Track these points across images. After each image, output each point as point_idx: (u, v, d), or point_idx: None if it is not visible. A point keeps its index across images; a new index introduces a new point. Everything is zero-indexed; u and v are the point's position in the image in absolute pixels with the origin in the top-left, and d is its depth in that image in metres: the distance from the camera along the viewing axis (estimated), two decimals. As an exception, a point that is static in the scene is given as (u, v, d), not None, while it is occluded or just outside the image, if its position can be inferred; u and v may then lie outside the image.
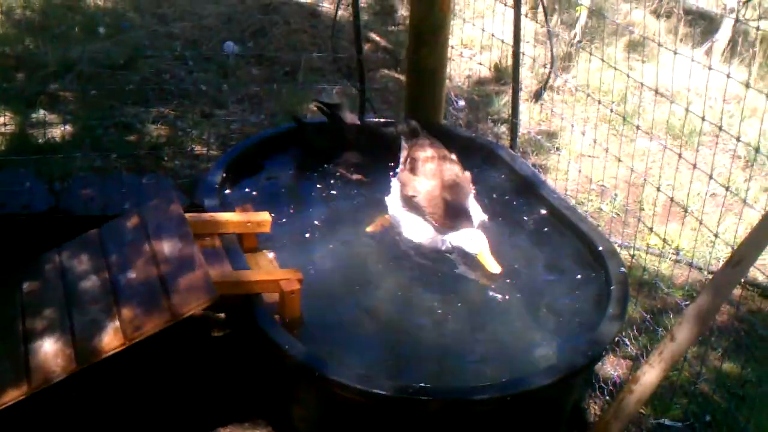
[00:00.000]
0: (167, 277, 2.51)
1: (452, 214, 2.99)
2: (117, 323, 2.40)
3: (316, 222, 3.16)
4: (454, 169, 3.18)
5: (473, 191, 3.18)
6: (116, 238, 2.76)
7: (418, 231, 3.03)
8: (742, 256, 2.23)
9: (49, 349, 2.38)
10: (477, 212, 3.08)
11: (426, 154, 3.22)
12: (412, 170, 3.18)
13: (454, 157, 3.29)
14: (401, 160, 3.34)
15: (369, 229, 3.13)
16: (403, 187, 3.16)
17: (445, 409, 2.27)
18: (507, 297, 2.79)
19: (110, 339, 2.36)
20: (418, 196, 3.06)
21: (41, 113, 4.52)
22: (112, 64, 5.15)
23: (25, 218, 3.40)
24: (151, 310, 2.41)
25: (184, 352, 2.98)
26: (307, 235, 3.08)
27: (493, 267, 2.83)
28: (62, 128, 4.40)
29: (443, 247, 2.97)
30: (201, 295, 2.42)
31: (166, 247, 2.63)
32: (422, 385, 2.26)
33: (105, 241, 2.76)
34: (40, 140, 4.25)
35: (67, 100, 4.74)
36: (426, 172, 3.13)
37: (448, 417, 2.31)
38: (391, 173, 3.40)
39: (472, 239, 2.90)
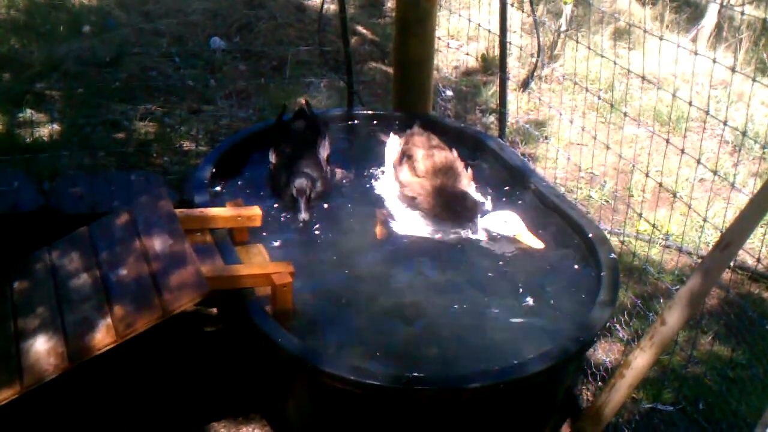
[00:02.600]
0: (158, 274, 2.50)
1: (455, 209, 3.01)
2: (109, 320, 2.39)
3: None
4: (449, 159, 3.19)
5: (470, 177, 3.20)
6: (106, 235, 2.76)
7: (423, 226, 3.05)
8: (731, 240, 2.24)
9: (41, 347, 2.37)
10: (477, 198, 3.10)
11: (421, 151, 3.22)
12: (411, 169, 3.18)
13: (446, 148, 3.31)
14: (395, 156, 3.33)
15: (378, 235, 3.08)
16: (402, 188, 3.16)
17: (438, 398, 2.28)
18: (497, 285, 2.80)
19: (102, 336, 2.36)
20: (420, 198, 3.07)
21: (28, 113, 4.51)
22: (99, 62, 5.14)
23: (15, 217, 3.39)
24: (143, 307, 2.41)
25: (177, 348, 2.98)
26: (299, 228, 3.08)
27: (535, 243, 2.87)
28: (50, 127, 4.39)
29: (473, 235, 2.98)
30: (192, 291, 2.42)
31: (157, 243, 2.63)
32: (414, 374, 2.26)
33: (95, 238, 2.76)
34: (27, 139, 4.24)
35: (54, 99, 4.73)
36: (425, 171, 3.13)
37: (441, 405, 2.32)
38: (380, 169, 3.41)
39: (508, 221, 2.93)
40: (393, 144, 3.41)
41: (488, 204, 3.19)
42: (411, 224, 3.07)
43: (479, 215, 3.03)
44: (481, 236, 2.99)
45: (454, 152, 3.32)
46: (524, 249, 2.95)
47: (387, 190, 3.26)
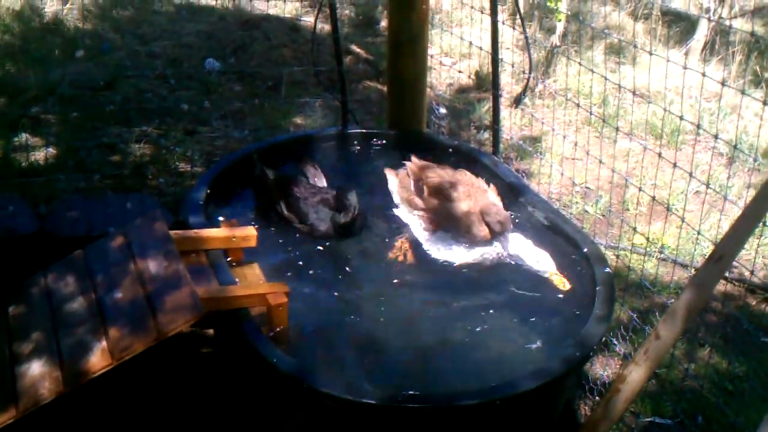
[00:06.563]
0: (153, 296, 2.50)
1: (492, 228, 3.00)
2: (104, 344, 2.39)
3: (300, 235, 3.16)
4: (468, 178, 3.18)
5: (495, 191, 3.19)
6: (101, 258, 2.76)
7: (464, 251, 3.03)
8: (724, 252, 2.24)
9: (37, 371, 2.37)
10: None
11: (436, 177, 3.20)
12: (444, 197, 3.14)
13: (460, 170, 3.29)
14: (407, 185, 3.31)
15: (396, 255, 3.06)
16: (428, 215, 3.14)
17: (435, 416, 2.28)
18: (495, 300, 2.80)
19: (98, 360, 2.35)
20: (460, 221, 3.04)
21: (23, 137, 4.52)
22: (94, 85, 5.16)
23: (11, 241, 3.39)
24: (138, 330, 2.41)
25: (173, 369, 2.98)
26: (295, 248, 3.08)
27: (565, 284, 2.85)
28: (45, 151, 4.40)
29: (503, 251, 2.98)
30: (188, 313, 2.41)
31: (152, 265, 2.63)
32: (410, 392, 2.26)
33: (90, 261, 2.76)
34: (23, 163, 4.25)
35: (50, 123, 4.74)
36: (458, 197, 3.11)
37: (438, 423, 2.32)
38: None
39: (540, 261, 2.91)
40: (398, 178, 3.38)
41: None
42: (438, 248, 3.06)
43: (508, 230, 2.99)
44: (511, 263, 2.98)
45: (467, 173, 3.28)
46: (519, 267, 2.95)
47: (407, 218, 3.22)
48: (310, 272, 2.94)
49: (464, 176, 3.20)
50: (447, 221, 3.08)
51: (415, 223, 3.17)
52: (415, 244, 3.09)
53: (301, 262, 2.99)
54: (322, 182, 3.35)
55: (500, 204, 3.10)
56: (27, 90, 4.97)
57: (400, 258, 3.04)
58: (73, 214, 3.64)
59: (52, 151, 4.43)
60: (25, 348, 2.47)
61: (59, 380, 2.33)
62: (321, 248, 3.06)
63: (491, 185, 3.22)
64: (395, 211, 3.28)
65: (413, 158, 3.36)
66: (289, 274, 2.89)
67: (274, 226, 3.18)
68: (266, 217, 3.22)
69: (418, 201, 3.20)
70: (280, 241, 3.11)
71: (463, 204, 3.07)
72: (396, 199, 3.32)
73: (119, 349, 2.36)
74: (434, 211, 3.13)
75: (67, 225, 3.55)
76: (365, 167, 3.69)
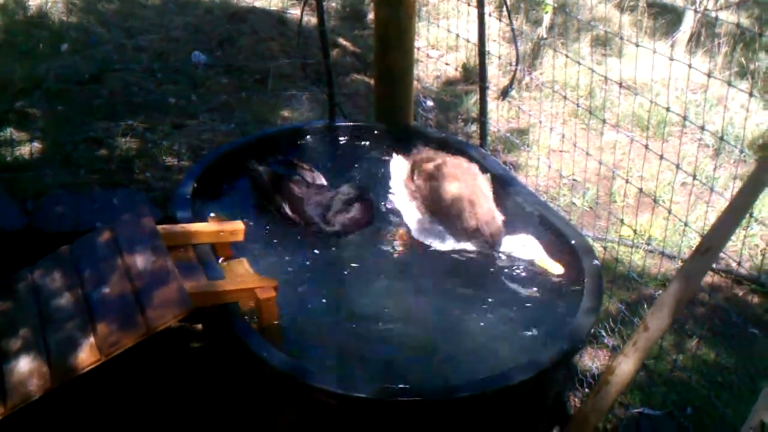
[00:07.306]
0: (141, 291, 2.50)
1: (486, 239, 2.99)
2: (92, 339, 2.38)
3: (291, 227, 3.15)
4: (462, 165, 3.18)
5: (488, 180, 3.18)
6: (89, 253, 2.74)
7: (452, 238, 3.03)
8: (711, 243, 2.26)
9: (25, 368, 2.36)
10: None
11: (433, 163, 3.19)
12: (425, 178, 3.15)
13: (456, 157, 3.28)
14: (404, 172, 3.31)
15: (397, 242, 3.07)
16: (420, 197, 3.13)
17: (426, 409, 2.28)
18: (482, 293, 2.81)
19: (86, 355, 2.34)
20: (451, 206, 3.03)
21: (9, 131, 4.48)
22: (80, 79, 5.13)
23: (-1, 237, 3.38)
24: (127, 325, 2.40)
25: (162, 364, 2.97)
26: (292, 244, 3.07)
27: (556, 269, 2.85)
28: (31, 146, 4.37)
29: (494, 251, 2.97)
30: (176, 308, 2.41)
31: (139, 260, 2.62)
32: (401, 386, 2.27)
33: (77, 257, 2.74)
34: (8, 158, 4.22)
35: (36, 117, 4.71)
36: (446, 178, 3.10)
37: (429, 416, 2.32)
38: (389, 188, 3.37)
39: (527, 246, 2.90)
40: (399, 164, 3.38)
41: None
42: (429, 236, 3.06)
43: (502, 236, 2.98)
44: (501, 256, 2.98)
45: (463, 160, 3.28)
46: (510, 258, 2.95)
47: (402, 205, 3.22)
48: (307, 268, 2.94)
49: (456, 160, 3.21)
50: (437, 205, 3.08)
51: (409, 210, 3.17)
52: (409, 235, 3.09)
53: (298, 259, 2.98)
54: (321, 180, 3.34)
55: (491, 196, 3.10)
56: (12, 84, 4.93)
57: (394, 251, 3.04)
58: (60, 209, 3.62)
59: (37, 145, 4.40)
60: (13, 344, 2.45)
61: (48, 376, 2.32)
62: (316, 248, 3.06)
63: (487, 174, 3.21)
64: (391, 199, 3.29)
65: (423, 150, 3.36)
66: (290, 269, 2.89)
67: (269, 222, 3.17)
68: (262, 213, 3.21)
69: (411, 185, 3.20)
70: (277, 237, 3.10)
71: (452, 186, 3.06)
72: (394, 187, 3.32)
73: (108, 344, 2.36)
74: (424, 195, 3.13)
75: (54, 220, 3.53)
76: (352, 160, 3.68)
